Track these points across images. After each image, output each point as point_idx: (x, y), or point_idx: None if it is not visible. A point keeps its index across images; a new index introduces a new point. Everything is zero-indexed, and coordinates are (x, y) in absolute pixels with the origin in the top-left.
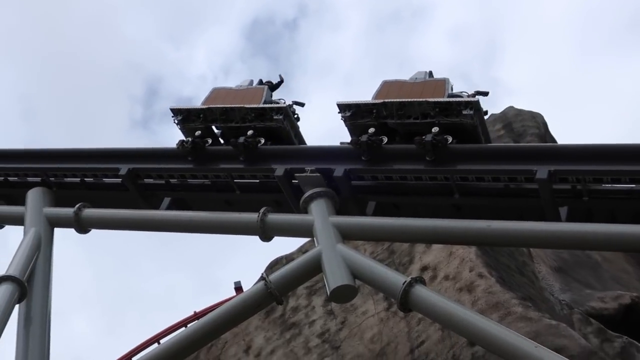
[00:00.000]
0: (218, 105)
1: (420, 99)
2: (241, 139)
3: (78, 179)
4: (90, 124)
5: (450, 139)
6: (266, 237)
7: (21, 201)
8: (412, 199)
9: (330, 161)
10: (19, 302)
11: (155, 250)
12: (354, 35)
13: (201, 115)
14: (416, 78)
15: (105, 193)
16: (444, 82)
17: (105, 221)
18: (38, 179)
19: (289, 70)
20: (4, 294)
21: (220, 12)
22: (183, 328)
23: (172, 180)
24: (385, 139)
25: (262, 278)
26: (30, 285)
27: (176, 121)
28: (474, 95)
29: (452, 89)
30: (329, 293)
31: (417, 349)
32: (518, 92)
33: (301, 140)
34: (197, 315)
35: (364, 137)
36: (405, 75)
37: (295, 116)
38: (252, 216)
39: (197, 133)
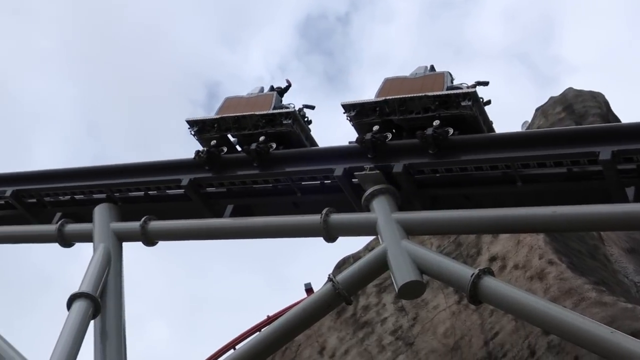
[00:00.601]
0: (230, 115)
1: (420, 94)
2: (253, 146)
3: (142, 193)
4: (154, 132)
5: (451, 130)
6: (330, 237)
7: (88, 218)
8: (474, 190)
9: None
10: (93, 317)
11: (224, 253)
12: (407, 25)
13: (215, 125)
14: (416, 73)
15: (169, 205)
16: (442, 76)
17: (171, 232)
18: (103, 195)
19: (344, 65)
20: (79, 310)
21: (273, 11)
22: (257, 333)
23: (234, 187)
24: (390, 136)
25: (329, 279)
26: (104, 300)
27: (192, 132)
28: (474, 86)
29: (452, 82)
30: (397, 290)
31: (491, 341)
32: (580, 70)
33: (313, 142)
34: (270, 320)
35: (368, 136)
36: (467, 60)
37: (306, 119)
38: (315, 218)
39: (213, 142)
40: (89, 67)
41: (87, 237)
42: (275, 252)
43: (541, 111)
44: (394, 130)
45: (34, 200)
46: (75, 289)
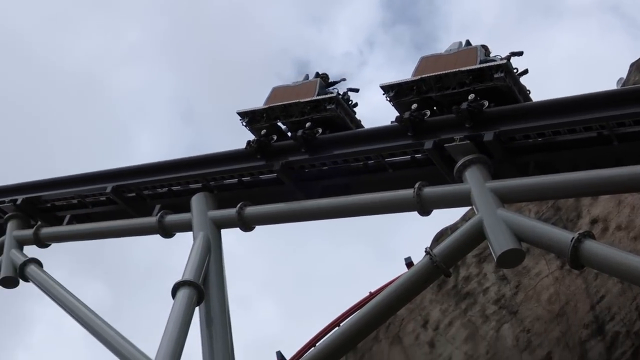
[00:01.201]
0: (277, 104)
1: (454, 70)
2: (299, 132)
3: (236, 180)
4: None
5: (486, 103)
6: (425, 211)
7: (186, 208)
8: (569, 153)
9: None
10: (197, 304)
11: (323, 229)
12: None
13: (264, 115)
14: (450, 50)
15: (263, 190)
16: (475, 50)
17: (267, 217)
18: (199, 185)
19: (431, 33)
20: (184, 298)
21: None
22: (360, 309)
23: (325, 168)
24: (429, 113)
25: (427, 253)
26: (207, 287)
27: (244, 123)
28: (508, 58)
29: (486, 55)
30: (495, 259)
31: (597, 305)
32: None
33: (358, 125)
34: (372, 296)
35: (406, 114)
36: (558, 17)
37: (350, 102)
38: (408, 192)
39: (263, 132)
40: (180, 55)
41: (186, 227)
42: (375, 226)
43: (636, 66)
44: (435, 108)
45: (134, 194)
46: (171, 277)
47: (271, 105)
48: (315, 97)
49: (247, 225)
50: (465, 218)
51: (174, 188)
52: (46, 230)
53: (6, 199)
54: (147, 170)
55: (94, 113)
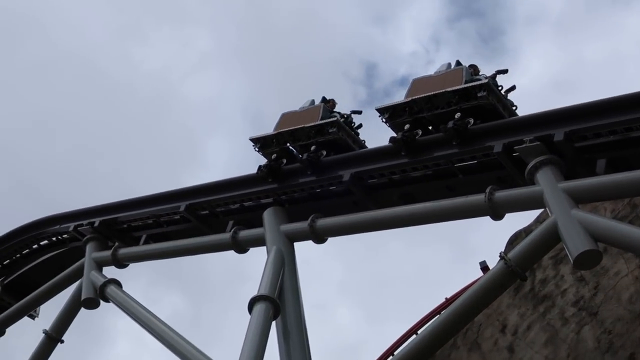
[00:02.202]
0: (285, 129)
1: (441, 91)
2: (304, 156)
3: (306, 193)
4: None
5: (472, 121)
6: (497, 215)
7: (258, 223)
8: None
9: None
10: (274, 319)
11: (397, 231)
12: None
13: (274, 140)
14: (439, 71)
15: (333, 201)
16: (461, 70)
17: (339, 228)
18: (270, 200)
19: (497, 25)
20: (260, 313)
21: None
22: (437, 316)
23: (395, 177)
24: (420, 132)
25: (501, 257)
26: (282, 301)
27: (256, 149)
28: (493, 76)
29: (474, 74)
30: (572, 261)
31: None
32: None
33: (361, 145)
34: (448, 302)
35: (399, 135)
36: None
37: (353, 124)
38: (479, 197)
39: (273, 156)
40: (250, 60)
41: (259, 242)
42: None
43: None
44: (430, 127)
45: (207, 211)
46: (245, 285)
47: (280, 130)
48: (318, 122)
49: (319, 237)
50: (539, 220)
51: (245, 204)
52: (124, 251)
53: (84, 222)
54: (219, 187)
55: (167, 124)
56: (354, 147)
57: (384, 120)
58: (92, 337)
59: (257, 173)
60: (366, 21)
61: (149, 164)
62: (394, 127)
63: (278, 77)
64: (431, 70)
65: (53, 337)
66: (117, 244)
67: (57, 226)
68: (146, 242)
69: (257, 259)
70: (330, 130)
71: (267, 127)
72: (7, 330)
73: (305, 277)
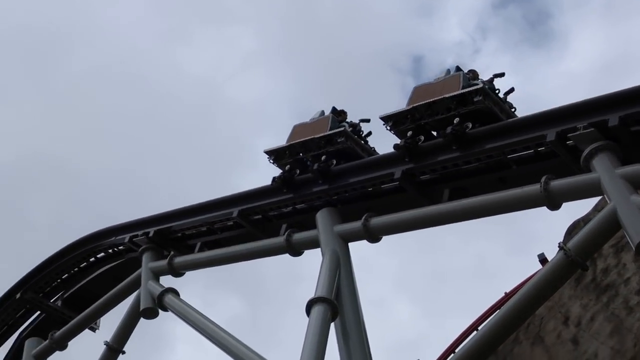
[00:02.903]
0: (296, 141)
1: (439, 97)
2: (315, 166)
3: (358, 192)
4: (367, 104)
5: (470, 125)
6: (554, 205)
7: (311, 225)
8: None
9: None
10: (332, 320)
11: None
12: None
13: (287, 152)
14: (438, 78)
15: (385, 199)
16: (458, 76)
17: (394, 226)
18: (322, 201)
19: (543, 9)
20: (318, 315)
21: None
22: (497, 311)
23: (446, 171)
24: (423, 138)
25: (560, 248)
26: (340, 302)
27: (271, 160)
28: (491, 80)
29: (472, 79)
30: (634, 248)
31: None
32: None
33: (370, 153)
34: (508, 296)
35: (401, 142)
36: None
37: (361, 133)
38: (534, 188)
39: (287, 167)
40: (295, 57)
41: (314, 244)
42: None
43: None
44: (434, 132)
45: (259, 216)
46: (301, 284)
47: (292, 142)
48: (327, 133)
49: (373, 236)
50: (597, 208)
51: (297, 206)
52: (179, 260)
53: (139, 233)
54: (271, 191)
55: (215, 127)
56: (363, 155)
57: (388, 128)
58: (152, 344)
59: (271, 184)
60: (411, 12)
61: (199, 169)
62: (398, 134)
63: (324, 72)
64: (480, 59)
65: (114, 349)
66: (172, 252)
67: (113, 238)
68: (201, 250)
69: (311, 259)
70: (339, 140)
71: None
72: (69, 343)
73: (360, 275)
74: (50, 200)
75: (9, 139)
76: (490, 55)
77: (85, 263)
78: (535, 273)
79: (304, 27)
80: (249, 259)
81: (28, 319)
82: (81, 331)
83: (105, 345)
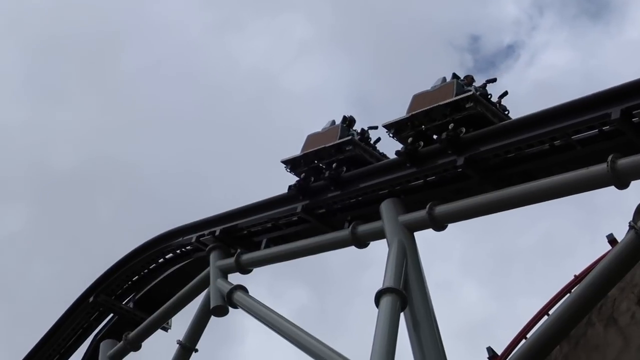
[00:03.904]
0: (310, 150)
1: (435, 105)
2: (327, 173)
3: (421, 181)
4: (425, 83)
5: (464, 130)
6: (622, 184)
7: (375, 216)
8: None
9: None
10: (402, 310)
11: None
12: None
13: (302, 161)
14: (435, 85)
15: (448, 187)
16: (452, 84)
17: (459, 213)
18: (385, 191)
19: None
20: (387, 306)
21: None
22: (567, 295)
23: (510, 155)
24: (422, 144)
25: (631, 227)
26: (408, 291)
27: (288, 169)
28: (483, 86)
29: (468, 85)
30: None
31: None
32: None
33: (378, 158)
34: (578, 279)
35: (402, 149)
36: None
37: (369, 139)
38: (601, 167)
39: (302, 175)
40: (350, 42)
41: (379, 235)
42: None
43: None
44: (435, 137)
45: (323, 210)
46: (367, 272)
47: (306, 152)
48: (336, 142)
49: (439, 224)
50: None
51: (361, 198)
52: (247, 257)
53: (205, 232)
54: (333, 184)
55: (272, 119)
56: (372, 161)
57: (390, 135)
58: (222, 337)
59: (287, 192)
60: None
61: (257, 162)
62: (400, 141)
63: (380, 55)
64: (537, 36)
65: (187, 347)
66: (239, 250)
67: (181, 238)
68: (267, 246)
69: (376, 246)
70: (347, 148)
71: (374, 111)
72: (143, 344)
73: (426, 258)
74: (113, 200)
75: (71, 142)
76: (547, 32)
77: (154, 264)
78: (605, 254)
79: (357, 10)
80: (315, 253)
81: (102, 321)
82: (154, 331)
83: (178, 344)
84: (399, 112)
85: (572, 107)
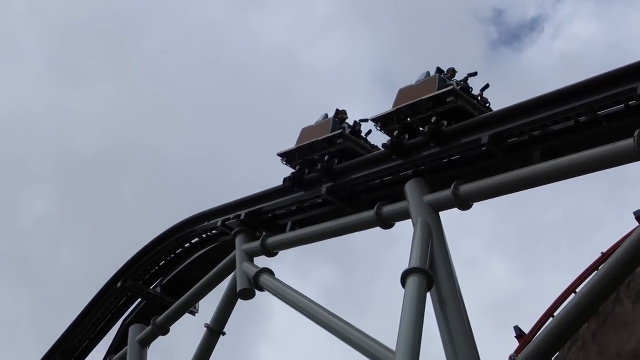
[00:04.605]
0: (304, 143)
1: (418, 99)
2: (319, 166)
3: (445, 160)
4: (449, 56)
5: (445, 123)
6: None
7: (400, 197)
8: None
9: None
10: (428, 290)
11: None
12: None
13: (296, 154)
14: (419, 80)
15: (473, 166)
16: (434, 79)
17: (484, 192)
18: (410, 172)
19: None
20: (414, 286)
21: None
22: (595, 272)
23: (535, 133)
24: (407, 137)
25: None
26: (435, 272)
27: (284, 162)
28: (466, 79)
29: (450, 78)
30: None
31: None
32: None
33: (369, 150)
34: (605, 256)
35: (388, 142)
36: None
37: (361, 132)
38: (628, 143)
39: (297, 167)
40: (373, 17)
41: (404, 215)
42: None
43: None
44: (421, 129)
45: (347, 191)
46: (390, 250)
47: (300, 145)
48: (328, 135)
49: (464, 204)
50: None
51: (385, 179)
52: (272, 240)
53: (231, 216)
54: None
55: (296, 98)
56: (362, 153)
57: (378, 128)
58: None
59: (283, 185)
60: None
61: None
62: (388, 134)
63: (403, 28)
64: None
65: (215, 331)
66: (264, 233)
67: (206, 223)
68: (292, 229)
69: (400, 224)
70: (338, 141)
71: (398, 87)
72: (171, 328)
73: (452, 235)
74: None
75: (95, 125)
76: (572, 4)
77: (180, 249)
78: (633, 231)
79: None
80: (341, 235)
81: (130, 306)
82: (181, 316)
83: (206, 328)
84: None
85: (597, 83)
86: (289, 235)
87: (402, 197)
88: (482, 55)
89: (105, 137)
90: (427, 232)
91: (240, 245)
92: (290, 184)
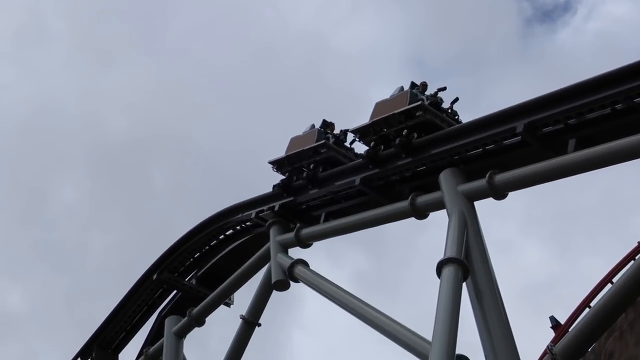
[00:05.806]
0: (292, 152)
1: (390, 113)
2: (304, 174)
3: (480, 150)
4: (481, 34)
5: (415, 135)
6: None
7: (434, 187)
8: None
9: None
10: (464, 280)
11: None
12: None
13: (286, 162)
14: (393, 94)
15: (508, 156)
16: (406, 93)
17: (519, 181)
18: (444, 162)
19: None
20: (450, 276)
21: None
22: (631, 262)
23: (570, 121)
24: (382, 147)
25: None
26: (470, 261)
27: (274, 169)
28: (436, 94)
29: (422, 92)
30: None
31: None
32: None
33: (352, 159)
34: None
35: (364, 152)
36: None
37: (346, 144)
38: None
39: (286, 175)
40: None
41: (438, 205)
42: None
43: None
44: (398, 140)
45: (382, 182)
46: (422, 238)
47: (289, 153)
48: (313, 145)
49: (499, 193)
50: None
51: (419, 169)
52: (306, 231)
53: (264, 207)
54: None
55: (324, 80)
56: (345, 162)
57: (357, 139)
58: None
59: (272, 191)
60: None
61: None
62: (365, 144)
63: (436, 7)
64: None
65: (250, 322)
66: (298, 225)
67: (240, 215)
68: (326, 220)
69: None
70: (322, 151)
71: (429, 70)
72: (206, 319)
73: (486, 220)
74: (167, 171)
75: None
76: None
77: (215, 241)
78: None
79: None
80: (375, 225)
81: (165, 298)
82: (217, 307)
83: (241, 319)
84: (456, 70)
85: (633, 70)
86: (323, 226)
87: (436, 187)
88: (515, 32)
89: (135, 122)
90: (462, 222)
91: (275, 237)
92: (279, 190)
